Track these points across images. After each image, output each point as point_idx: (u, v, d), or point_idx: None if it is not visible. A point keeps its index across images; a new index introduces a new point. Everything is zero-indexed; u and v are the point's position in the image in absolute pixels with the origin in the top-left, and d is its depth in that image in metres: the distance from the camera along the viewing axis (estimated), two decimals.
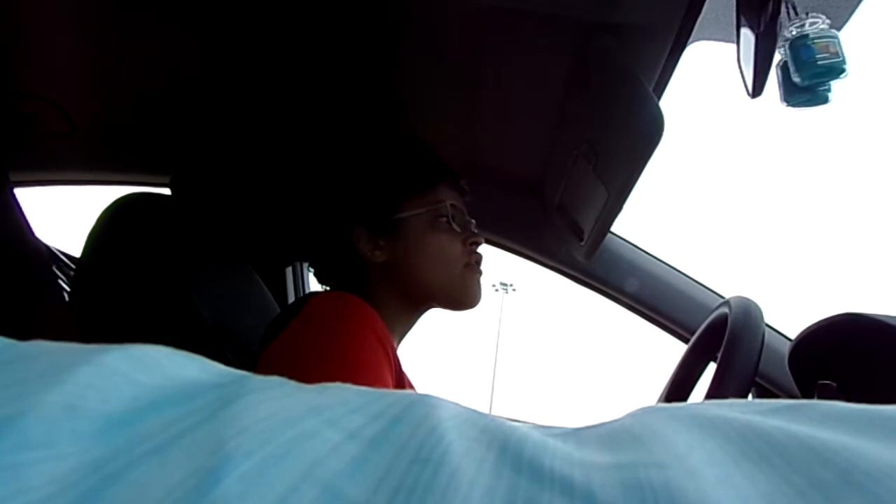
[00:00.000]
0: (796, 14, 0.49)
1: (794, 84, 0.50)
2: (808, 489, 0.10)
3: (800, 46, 0.49)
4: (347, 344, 0.57)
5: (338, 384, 0.15)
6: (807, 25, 0.49)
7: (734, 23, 0.54)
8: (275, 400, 0.12)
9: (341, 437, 0.12)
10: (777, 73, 0.53)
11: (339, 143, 0.86)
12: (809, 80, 0.50)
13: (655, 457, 0.12)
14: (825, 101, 0.51)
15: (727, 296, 0.78)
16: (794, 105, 0.52)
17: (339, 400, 0.13)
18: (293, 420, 0.12)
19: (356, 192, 0.72)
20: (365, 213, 0.71)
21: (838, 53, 0.48)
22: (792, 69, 0.50)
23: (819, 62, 0.48)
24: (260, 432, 0.11)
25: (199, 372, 0.14)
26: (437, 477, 0.11)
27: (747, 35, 0.53)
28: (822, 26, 0.49)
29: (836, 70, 0.49)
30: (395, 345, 0.72)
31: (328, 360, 0.56)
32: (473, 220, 0.76)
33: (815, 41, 0.48)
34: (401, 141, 0.75)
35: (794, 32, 0.49)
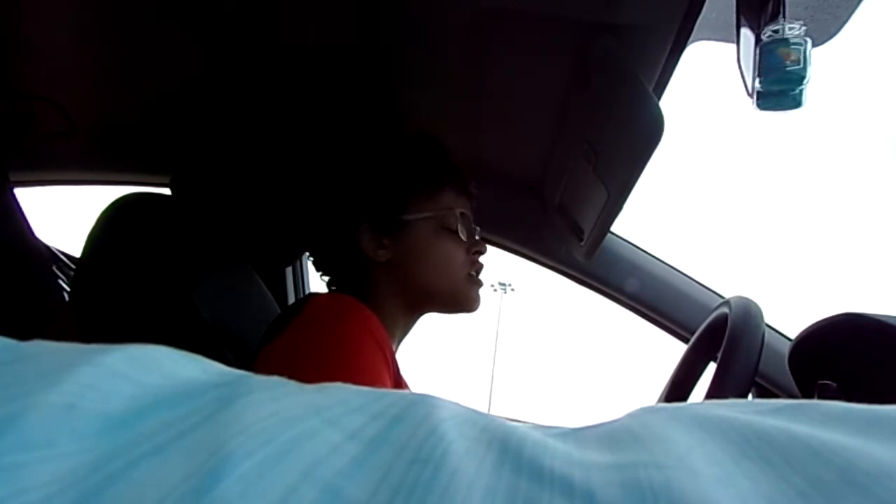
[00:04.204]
0: (783, 17, 0.49)
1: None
2: (808, 489, 0.10)
3: (767, 52, 0.49)
4: (346, 346, 0.57)
5: (337, 384, 0.15)
6: (785, 30, 0.48)
7: (734, 23, 0.54)
8: (275, 400, 0.12)
9: (341, 437, 0.12)
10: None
11: (345, 140, 0.86)
12: (769, 86, 0.49)
13: (655, 457, 0.12)
14: (798, 105, 0.50)
15: (727, 296, 0.78)
16: (764, 109, 0.51)
17: (339, 400, 0.13)
18: (293, 420, 0.12)
19: (364, 188, 0.72)
20: (371, 211, 0.70)
21: (800, 61, 0.48)
22: (756, 73, 0.50)
23: (786, 69, 0.48)
24: (260, 432, 0.11)
25: (198, 372, 0.14)
26: (438, 477, 0.11)
27: (747, 35, 0.53)
28: (796, 32, 0.48)
29: (797, 79, 0.48)
30: (394, 347, 0.72)
31: (327, 362, 0.56)
32: (478, 227, 0.76)
33: (781, 48, 0.48)
34: (412, 140, 0.75)
35: (767, 36, 0.49)
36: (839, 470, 0.11)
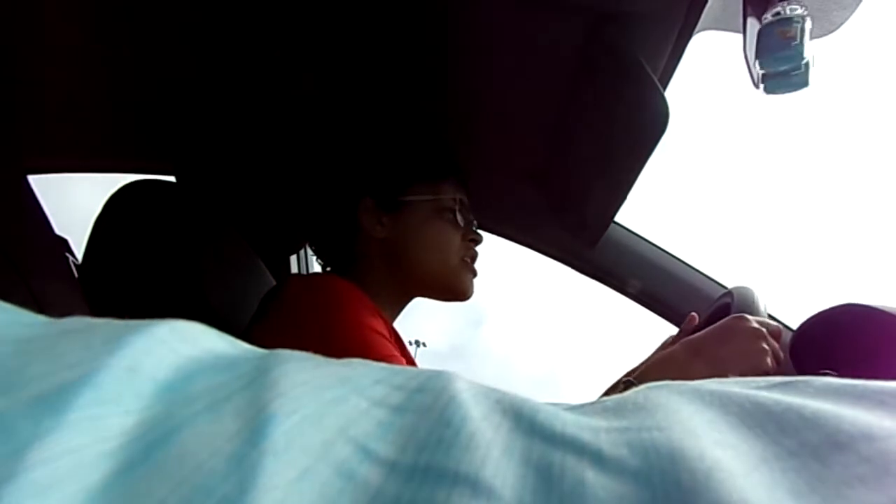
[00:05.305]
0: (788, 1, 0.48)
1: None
2: (799, 449, 0.11)
3: (765, 34, 0.48)
4: (341, 322, 0.59)
5: (358, 360, 0.16)
6: (786, 11, 0.48)
7: (740, 12, 0.54)
8: (306, 370, 0.14)
9: (368, 404, 0.13)
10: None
11: (356, 118, 0.86)
12: (769, 67, 0.49)
13: (658, 421, 0.13)
14: (804, 84, 0.50)
15: (730, 285, 0.79)
16: (771, 92, 0.51)
17: (362, 373, 0.14)
18: (324, 387, 0.13)
19: (371, 163, 0.74)
20: (375, 187, 0.72)
21: (795, 37, 0.47)
22: (754, 55, 0.49)
23: (782, 46, 0.47)
24: (297, 396, 0.12)
25: (229, 347, 0.15)
26: (459, 437, 0.12)
27: (753, 25, 0.53)
28: (796, 12, 0.48)
29: (795, 55, 0.48)
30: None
31: (321, 338, 0.57)
32: (475, 221, 0.78)
33: (778, 28, 0.48)
34: (428, 126, 0.77)
35: (767, 21, 0.49)
36: (827, 433, 0.12)
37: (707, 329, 0.59)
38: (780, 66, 0.49)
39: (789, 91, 0.51)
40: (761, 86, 0.51)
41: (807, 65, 0.49)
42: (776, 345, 0.58)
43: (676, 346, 0.60)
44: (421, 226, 0.71)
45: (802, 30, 0.47)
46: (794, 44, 0.47)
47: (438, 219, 0.72)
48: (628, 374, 0.67)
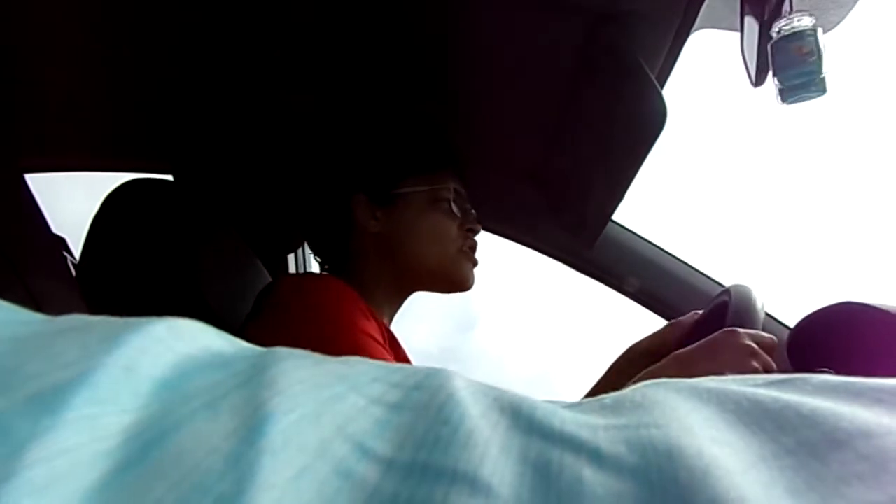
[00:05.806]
0: (790, 8, 0.48)
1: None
2: (796, 447, 0.11)
3: (779, 49, 0.48)
4: (332, 324, 0.58)
5: (356, 358, 0.16)
6: (794, 22, 0.48)
7: (738, 12, 0.55)
8: (304, 368, 0.13)
9: (366, 402, 0.13)
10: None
11: (348, 110, 0.86)
12: (788, 81, 0.49)
13: (656, 419, 0.13)
14: (823, 91, 0.50)
15: (727, 284, 0.79)
16: (791, 102, 0.51)
17: (360, 371, 0.14)
18: (322, 385, 0.13)
19: (363, 158, 0.73)
20: (368, 181, 0.71)
21: (812, 52, 0.47)
22: (772, 73, 0.50)
23: (800, 62, 0.48)
24: (295, 395, 0.12)
25: (227, 345, 0.15)
26: (457, 435, 0.12)
27: (751, 24, 0.53)
28: (806, 23, 0.48)
29: (815, 69, 0.48)
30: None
31: (322, 343, 0.57)
32: (473, 211, 0.76)
33: (793, 43, 0.48)
34: (418, 118, 0.76)
35: (777, 33, 0.48)
36: (824, 431, 0.12)
37: (697, 344, 0.58)
38: (799, 81, 0.49)
39: (808, 99, 0.51)
40: (779, 98, 0.51)
41: (823, 73, 0.49)
42: (768, 358, 0.56)
43: (666, 360, 0.58)
44: (416, 218, 0.70)
45: (818, 43, 0.47)
46: (812, 59, 0.47)
47: (434, 210, 0.71)
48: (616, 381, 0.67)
